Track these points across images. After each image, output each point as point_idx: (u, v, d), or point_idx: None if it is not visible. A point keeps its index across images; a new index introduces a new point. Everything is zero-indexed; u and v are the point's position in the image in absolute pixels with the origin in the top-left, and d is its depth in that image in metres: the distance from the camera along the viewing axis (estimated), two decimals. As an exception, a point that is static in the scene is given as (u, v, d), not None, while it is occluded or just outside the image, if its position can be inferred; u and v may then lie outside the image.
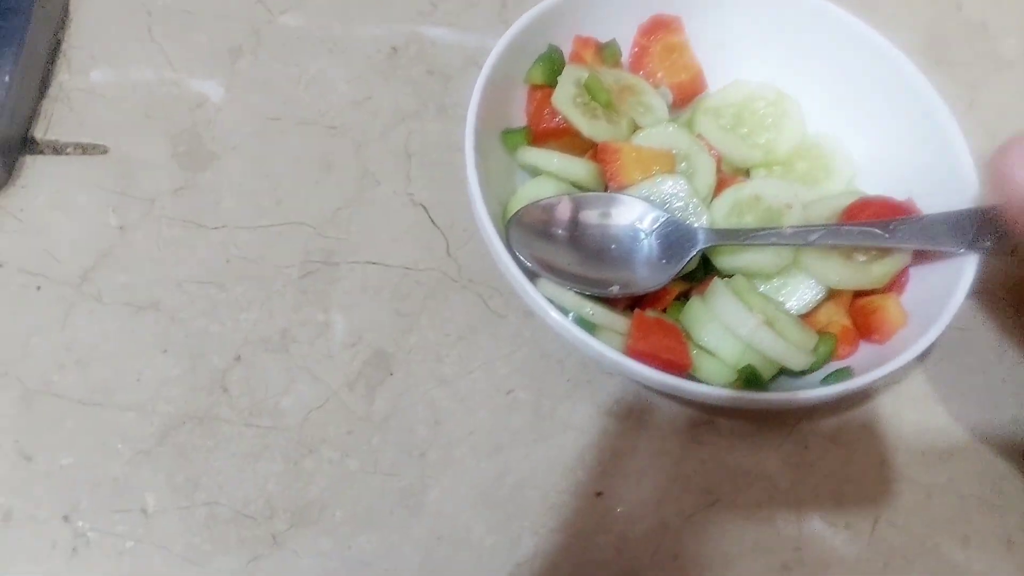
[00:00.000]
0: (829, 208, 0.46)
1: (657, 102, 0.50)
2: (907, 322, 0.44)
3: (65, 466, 0.43)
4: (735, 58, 0.52)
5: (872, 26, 0.50)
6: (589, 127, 0.47)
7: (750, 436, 0.47)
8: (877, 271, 0.44)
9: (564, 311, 0.42)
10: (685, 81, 0.52)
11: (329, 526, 0.43)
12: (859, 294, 0.46)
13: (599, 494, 0.45)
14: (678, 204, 0.46)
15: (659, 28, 0.52)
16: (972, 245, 0.42)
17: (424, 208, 0.52)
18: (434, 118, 0.55)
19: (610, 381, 0.48)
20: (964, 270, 0.43)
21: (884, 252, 0.44)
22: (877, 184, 0.49)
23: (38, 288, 0.47)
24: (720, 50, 0.53)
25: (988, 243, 0.42)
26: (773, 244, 0.43)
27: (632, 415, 0.47)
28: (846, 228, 0.43)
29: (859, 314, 0.46)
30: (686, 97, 0.52)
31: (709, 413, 0.47)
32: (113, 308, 0.47)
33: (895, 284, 0.46)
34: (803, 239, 0.43)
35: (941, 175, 0.46)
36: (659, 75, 0.52)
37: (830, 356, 0.44)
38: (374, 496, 0.44)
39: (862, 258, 0.44)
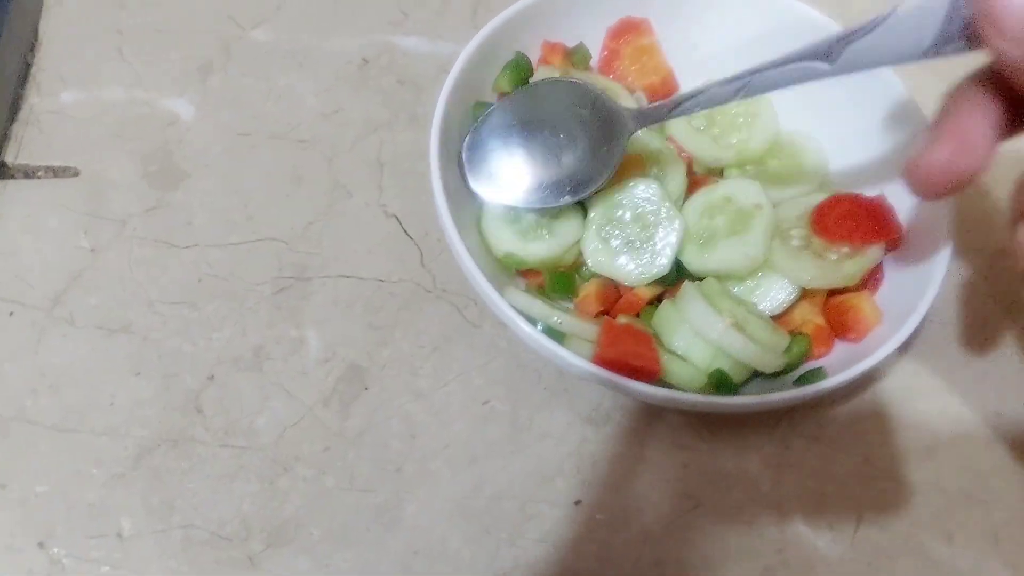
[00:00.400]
0: (801, 206, 0.46)
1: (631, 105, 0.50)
2: (882, 320, 0.44)
3: (40, 493, 0.43)
4: (705, 59, 0.52)
5: (843, 22, 0.49)
6: None
7: (731, 439, 0.47)
8: (849, 268, 0.43)
9: (533, 321, 0.42)
10: (656, 83, 0.51)
11: (306, 545, 0.43)
12: (832, 293, 0.46)
13: (578, 503, 0.45)
14: (650, 208, 0.45)
15: (628, 31, 0.51)
16: (935, 50, 0.32)
17: (397, 219, 0.52)
18: (405, 128, 0.55)
19: (588, 389, 0.47)
20: (937, 264, 0.42)
21: (855, 250, 0.44)
22: (850, 181, 0.49)
23: (11, 314, 0.47)
24: (690, 51, 0.52)
25: (953, 46, 0.31)
26: (704, 108, 0.41)
27: (611, 422, 0.47)
28: (778, 69, 0.37)
29: (833, 313, 0.45)
30: (657, 99, 0.52)
31: (689, 417, 0.47)
32: (85, 331, 0.47)
33: (869, 282, 0.45)
34: (732, 90, 0.38)
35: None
36: (629, 78, 0.51)
37: (804, 357, 0.44)
38: (350, 513, 0.43)
39: (833, 256, 0.44)
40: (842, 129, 0.49)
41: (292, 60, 0.57)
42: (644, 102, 0.51)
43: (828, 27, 0.49)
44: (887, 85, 0.47)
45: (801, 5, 0.49)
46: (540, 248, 0.45)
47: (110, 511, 0.43)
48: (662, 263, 0.44)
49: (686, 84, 0.53)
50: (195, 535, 0.42)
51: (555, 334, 0.42)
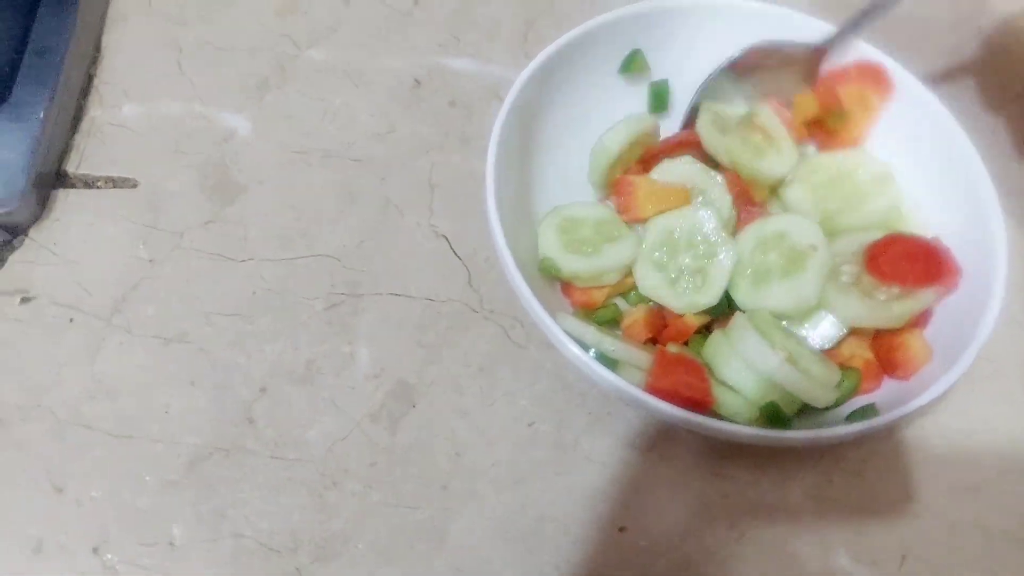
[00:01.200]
0: (855, 243, 0.46)
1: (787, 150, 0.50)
2: (931, 357, 0.44)
3: (95, 497, 0.44)
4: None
5: (892, 51, 0.50)
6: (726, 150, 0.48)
7: (774, 469, 0.47)
8: (897, 310, 0.43)
9: (585, 346, 0.42)
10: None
11: (352, 559, 0.43)
12: (880, 332, 0.46)
13: (621, 529, 0.45)
14: (704, 237, 0.46)
15: (865, 75, 0.50)
16: None
17: (446, 239, 0.53)
18: (456, 149, 0.56)
19: (632, 413, 0.48)
20: (990, 303, 0.42)
21: (906, 292, 0.44)
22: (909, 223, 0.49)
23: (70, 320, 0.49)
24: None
25: None
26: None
27: (654, 448, 0.47)
28: None
29: (882, 349, 0.45)
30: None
31: (732, 446, 0.47)
32: (142, 340, 0.48)
33: (919, 319, 0.45)
34: None
35: (966, 213, 0.46)
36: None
37: (854, 391, 0.44)
38: (396, 529, 0.44)
39: (883, 296, 0.44)
40: (903, 170, 0.49)
41: (347, 80, 0.58)
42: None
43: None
44: (943, 128, 0.47)
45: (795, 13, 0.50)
46: (578, 263, 0.46)
47: (162, 518, 0.44)
48: (713, 293, 0.44)
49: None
50: (245, 545, 0.43)
51: (607, 360, 0.42)
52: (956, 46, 0.62)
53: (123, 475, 0.44)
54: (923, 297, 0.44)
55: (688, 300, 0.45)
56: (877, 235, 0.46)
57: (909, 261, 0.43)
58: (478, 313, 0.50)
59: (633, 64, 0.51)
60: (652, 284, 0.45)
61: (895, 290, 0.44)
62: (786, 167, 0.49)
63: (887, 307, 0.43)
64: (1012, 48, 0.63)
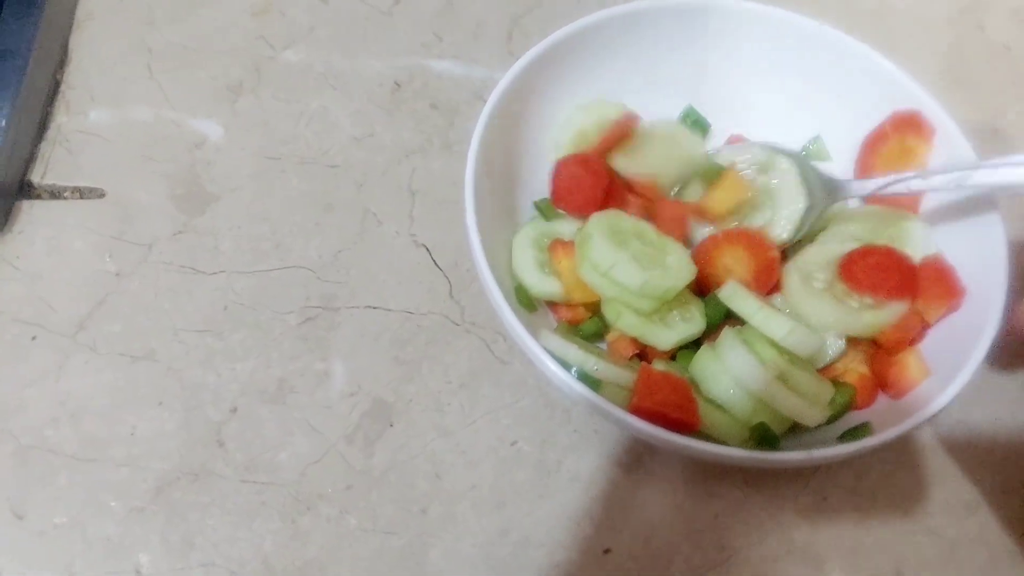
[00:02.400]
0: (831, 252, 0.45)
1: None
2: (928, 375, 0.42)
3: (58, 525, 0.42)
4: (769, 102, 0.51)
5: (892, 51, 0.48)
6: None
7: (765, 487, 0.45)
8: (868, 319, 0.42)
9: (567, 366, 0.41)
10: None
11: (327, 588, 0.42)
12: (878, 344, 0.44)
13: (607, 551, 0.43)
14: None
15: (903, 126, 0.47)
16: None
17: (427, 249, 0.51)
18: (438, 155, 0.54)
19: (618, 431, 0.46)
20: (989, 321, 0.40)
21: (879, 302, 0.42)
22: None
23: (33, 338, 0.47)
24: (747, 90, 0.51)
25: None
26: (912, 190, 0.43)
27: (642, 467, 0.45)
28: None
29: (878, 366, 0.44)
30: None
31: (722, 465, 0.45)
32: (108, 358, 0.46)
33: (915, 336, 0.43)
34: (948, 179, 0.41)
35: (968, 230, 0.44)
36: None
37: (847, 408, 0.42)
38: (373, 555, 0.42)
39: (855, 304, 0.42)
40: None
41: (324, 82, 0.56)
42: None
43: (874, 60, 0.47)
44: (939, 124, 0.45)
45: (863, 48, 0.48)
46: (554, 286, 0.45)
47: (129, 546, 0.42)
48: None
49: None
50: (215, 574, 0.41)
51: (590, 380, 0.40)
52: (955, 43, 0.61)
53: (88, 501, 0.43)
54: (895, 308, 0.43)
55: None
56: (853, 245, 0.44)
57: (884, 272, 0.42)
58: (459, 326, 0.49)
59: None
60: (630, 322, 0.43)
61: (868, 300, 0.42)
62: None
63: (858, 315, 0.42)
64: (1013, 45, 0.61)
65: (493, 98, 0.45)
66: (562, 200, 0.47)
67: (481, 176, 0.43)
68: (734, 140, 0.52)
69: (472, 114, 0.55)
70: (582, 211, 0.46)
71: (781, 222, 0.46)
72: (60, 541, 0.42)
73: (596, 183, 0.46)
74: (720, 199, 0.46)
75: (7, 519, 0.42)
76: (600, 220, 0.43)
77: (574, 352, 0.40)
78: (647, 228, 0.44)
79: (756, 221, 0.46)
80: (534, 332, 0.41)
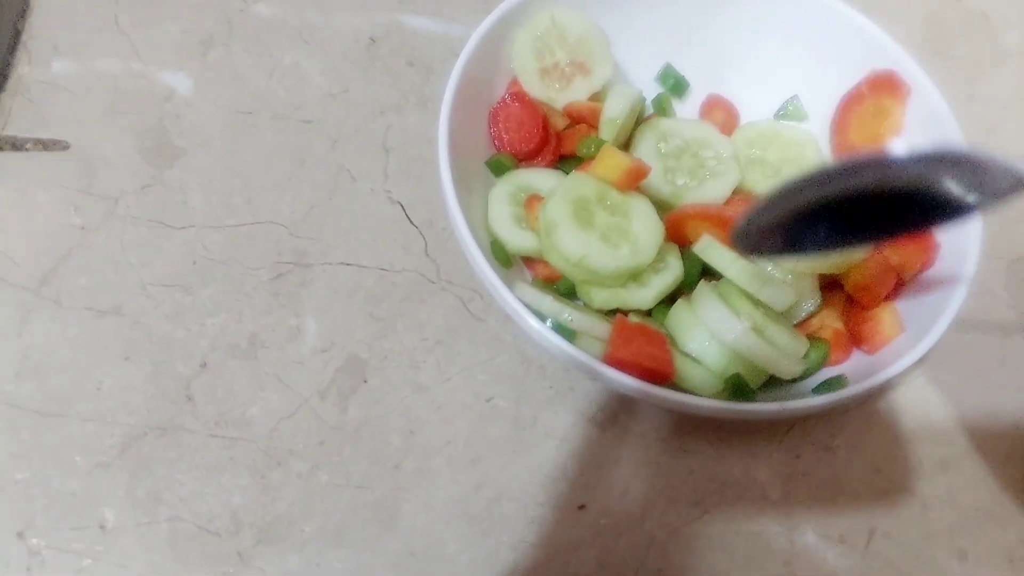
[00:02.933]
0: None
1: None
2: (901, 331, 0.42)
3: (20, 480, 0.41)
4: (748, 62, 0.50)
5: (871, 17, 0.47)
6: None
7: (740, 444, 0.45)
8: (835, 257, 0.42)
9: (542, 317, 0.40)
10: None
11: (298, 542, 0.41)
12: (853, 301, 0.44)
13: (582, 507, 0.43)
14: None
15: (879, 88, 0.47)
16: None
17: (401, 206, 0.50)
18: (413, 111, 0.53)
19: (594, 388, 0.46)
20: (961, 277, 0.41)
21: None
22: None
23: (-5, 292, 0.45)
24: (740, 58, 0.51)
25: None
26: None
27: (617, 423, 0.45)
28: None
29: (852, 321, 0.44)
30: None
31: (697, 421, 0.45)
32: (73, 312, 0.45)
33: (892, 292, 0.43)
34: None
35: None
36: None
37: (822, 364, 0.42)
38: (345, 510, 0.42)
39: None
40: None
41: (297, 37, 0.55)
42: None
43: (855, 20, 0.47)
44: (916, 84, 0.45)
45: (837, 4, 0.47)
46: (526, 241, 0.44)
47: (93, 501, 0.41)
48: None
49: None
50: (182, 528, 0.41)
51: (565, 331, 0.40)
52: (933, 11, 0.61)
53: (52, 457, 0.42)
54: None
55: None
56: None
57: None
58: (435, 284, 0.48)
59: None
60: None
61: None
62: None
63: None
64: (991, 14, 0.61)
65: (466, 52, 0.44)
66: (504, 143, 0.46)
67: (455, 132, 0.43)
68: (712, 100, 0.51)
69: (448, 71, 0.54)
70: (526, 151, 0.46)
71: None
72: (21, 496, 0.41)
73: (533, 120, 0.46)
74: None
75: (-33, 474, 0.41)
76: (562, 200, 0.41)
77: (549, 303, 0.40)
78: (608, 190, 0.43)
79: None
80: (510, 286, 0.40)
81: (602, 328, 0.40)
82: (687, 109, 0.52)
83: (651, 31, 0.50)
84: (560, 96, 0.48)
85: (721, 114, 0.51)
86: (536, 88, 0.47)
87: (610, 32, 0.49)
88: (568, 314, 0.40)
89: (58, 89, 0.51)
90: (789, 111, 0.50)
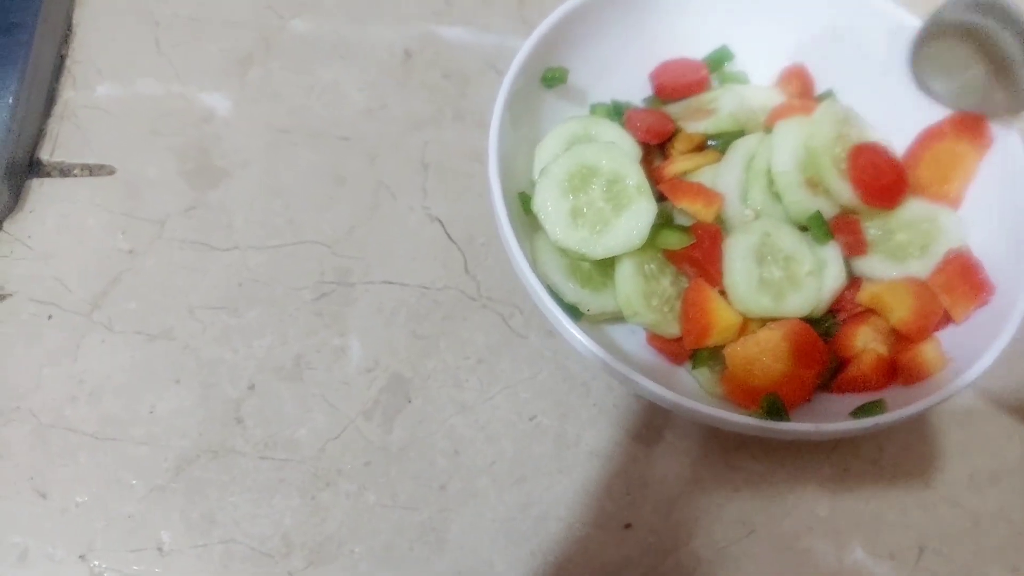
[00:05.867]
0: None
1: None
2: (945, 366, 0.41)
3: (80, 503, 0.42)
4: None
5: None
6: None
7: (786, 460, 0.45)
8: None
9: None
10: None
11: (347, 563, 0.42)
12: (899, 332, 0.43)
13: (627, 525, 0.43)
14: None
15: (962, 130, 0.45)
16: None
17: (440, 223, 0.50)
18: (451, 125, 0.53)
19: (638, 405, 0.46)
20: (1016, 307, 0.40)
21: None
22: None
23: (49, 317, 0.46)
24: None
25: None
26: None
27: (661, 440, 0.45)
28: None
29: (896, 352, 0.43)
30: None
31: (743, 437, 0.45)
32: (124, 337, 0.46)
33: (940, 323, 0.43)
34: None
35: (998, 222, 0.44)
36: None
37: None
38: (393, 531, 0.42)
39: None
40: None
41: (333, 52, 0.55)
42: None
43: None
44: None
45: None
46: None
47: (150, 524, 0.42)
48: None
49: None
50: (236, 550, 0.42)
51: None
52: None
53: (108, 480, 0.43)
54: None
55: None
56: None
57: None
58: (476, 301, 0.48)
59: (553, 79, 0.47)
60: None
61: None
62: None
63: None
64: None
65: (513, 68, 0.44)
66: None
67: (504, 139, 0.43)
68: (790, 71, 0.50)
69: (484, 83, 0.54)
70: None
71: None
72: (82, 519, 0.42)
73: None
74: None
75: (30, 498, 0.42)
76: (568, 159, 0.43)
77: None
78: (624, 178, 0.43)
79: None
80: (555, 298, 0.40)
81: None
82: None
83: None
84: None
85: (797, 84, 0.50)
86: None
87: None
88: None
89: (102, 113, 0.52)
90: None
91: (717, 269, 0.42)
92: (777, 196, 0.44)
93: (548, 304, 0.39)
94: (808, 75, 0.50)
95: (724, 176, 0.45)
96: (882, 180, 0.44)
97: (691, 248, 0.42)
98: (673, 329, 0.43)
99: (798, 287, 0.42)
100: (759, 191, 0.44)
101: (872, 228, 0.45)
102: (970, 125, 0.44)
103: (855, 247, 0.44)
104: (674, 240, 0.42)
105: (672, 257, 0.43)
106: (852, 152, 0.44)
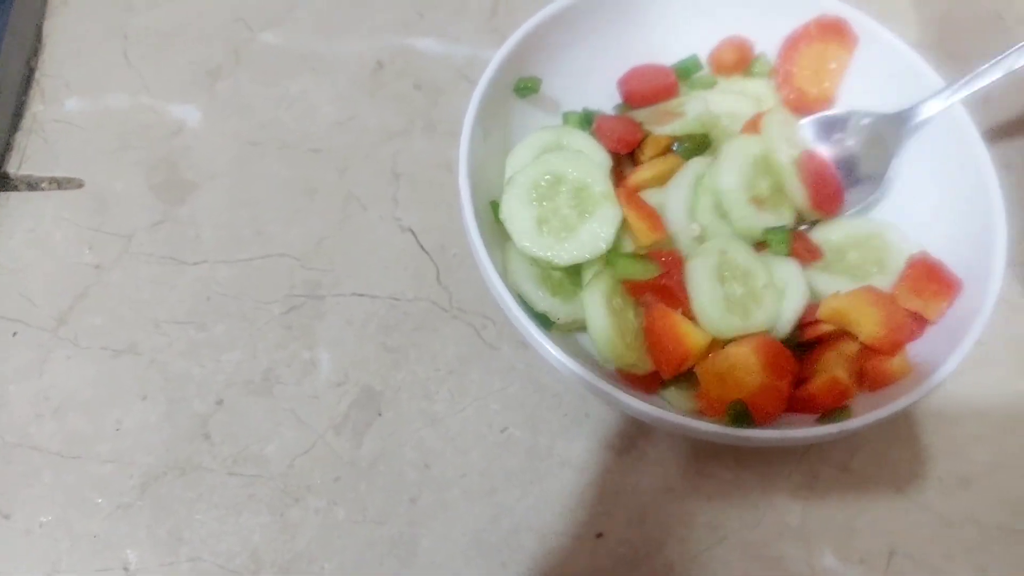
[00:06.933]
0: None
1: None
2: (908, 372, 0.41)
3: (44, 523, 0.42)
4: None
5: (880, 18, 0.47)
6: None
7: (757, 467, 0.45)
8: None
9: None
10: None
11: (317, 579, 0.41)
12: (870, 347, 0.43)
13: (600, 535, 0.43)
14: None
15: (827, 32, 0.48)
16: None
17: (412, 233, 0.50)
18: (421, 135, 0.53)
19: (610, 414, 0.46)
20: (983, 307, 0.40)
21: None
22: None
23: (14, 334, 0.46)
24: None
25: None
26: None
27: (634, 449, 0.45)
28: None
29: (860, 361, 0.43)
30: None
31: (714, 445, 0.45)
32: (90, 352, 0.46)
33: (909, 333, 0.43)
34: None
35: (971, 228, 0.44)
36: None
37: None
38: (363, 546, 0.42)
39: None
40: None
41: (304, 64, 0.55)
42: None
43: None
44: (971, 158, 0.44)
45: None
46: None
47: (116, 543, 0.41)
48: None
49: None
50: (204, 568, 0.41)
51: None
52: (946, 12, 0.59)
53: (73, 499, 0.42)
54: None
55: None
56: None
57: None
58: (447, 312, 0.48)
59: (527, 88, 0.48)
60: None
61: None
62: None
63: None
64: (1004, 14, 0.60)
65: (485, 78, 0.44)
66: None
67: (475, 152, 0.43)
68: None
69: (456, 94, 0.54)
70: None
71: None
72: (46, 539, 0.41)
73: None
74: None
75: (-7, 518, 0.42)
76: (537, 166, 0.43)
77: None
78: (590, 186, 0.43)
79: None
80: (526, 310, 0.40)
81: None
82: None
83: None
84: None
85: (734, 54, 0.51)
86: None
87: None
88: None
89: (70, 127, 0.52)
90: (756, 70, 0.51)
91: (685, 295, 0.42)
92: (723, 215, 0.45)
93: (517, 313, 0.39)
94: (746, 43, 0.51)
95: (673, 193, 0.45)
96: (827, 188, 0.45)
97: (660, 277, 0.42)
98: (647, 366, 0.42)
99: (759, 301, 0.43)
100: (706, 210, 0.45)
101: (823, 250, 0.46)
102: (833, 26, 0.48)
103: (808, 255, 0.45)
104: (639, 270, 0.42)
105: (633, 288, 0.43)
106: (803, 157, 0.45)
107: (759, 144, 0.46)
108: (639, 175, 0.46)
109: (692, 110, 0.47)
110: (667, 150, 0.48)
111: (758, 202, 0.45)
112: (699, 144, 0.47)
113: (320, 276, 0.48)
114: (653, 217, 0.44)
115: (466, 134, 0.43)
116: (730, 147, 0.46)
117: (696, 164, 0.46)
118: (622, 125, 0.48)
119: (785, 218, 0.46)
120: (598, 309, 0.42)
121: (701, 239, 0.45)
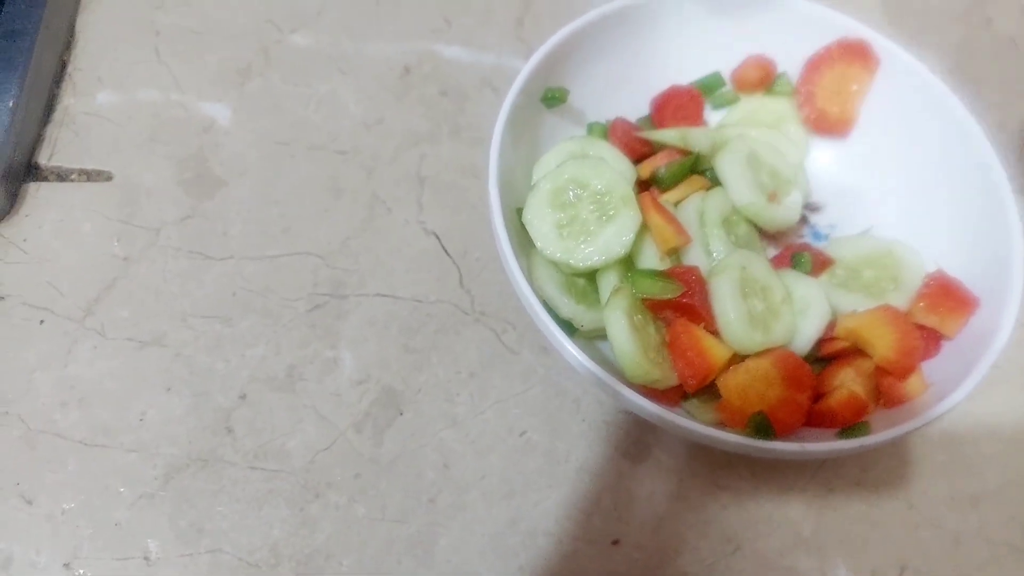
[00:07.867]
0: None
1: None
2: (925, 390, 0.42)
3: (67, 510, 0.42)
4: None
5: (900, 43, 0.48)
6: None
7: (772, 479, 0.45)
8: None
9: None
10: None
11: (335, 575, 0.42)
12: (884, 369, 0.44)
13: (615, 542, 0.43)
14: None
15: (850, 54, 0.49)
16: None
17: (436, 236, 0.51)
18: (447, 140, 0.54)
19: (628, 421, 0.46)
20: (998, 335, 0.41)
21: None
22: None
23: (41, 322, 0.46)
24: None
25: None
26: None
27: (650, 457, 0.45)
28: None
29: (877, 379, 0.44)
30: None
31: (729, 456, 0.46)
32: (116, 343, 0.46)
33: (926, 352, 0.44)
34: None
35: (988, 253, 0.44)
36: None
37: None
38: (381, 544, 0.42)
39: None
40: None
41: (333, 66, 0.56)
42: None
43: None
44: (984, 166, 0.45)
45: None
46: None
47: (137, 532, 0.42)
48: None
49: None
50: (223, 560, 0.41)
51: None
52: (963, 39, 0.60)
53: (96, 487, 0.43)
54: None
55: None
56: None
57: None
58: (469, 315, 0.48)
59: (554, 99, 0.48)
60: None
61: None
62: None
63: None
64: (1019, 40, 0.61)
65: (516, 86, 0.45)
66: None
67: (505, 158, 0.43)
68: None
69: (481, 101, 0.55)
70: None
71: None
72: (69, 526, 0.42)
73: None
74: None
75: (16, 504, 0.42)
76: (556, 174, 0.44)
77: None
78: (611, 192, 0.44)
79: None
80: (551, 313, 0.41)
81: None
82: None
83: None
84: None
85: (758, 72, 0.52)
86: None
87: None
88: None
89: (101, 120, 0.52)
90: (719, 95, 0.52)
91: (709, 312, 0.42)
92: (736, 241, 0.46)
93: (543, 318, 0.40)
94: (769, 62, 0.51)
95: (681, 213, 0.47)
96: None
97: (682, 295, 0.42)
98: (671, 381, 0.42)
99: (777, 316, 0.43)
100: (719, 241, 0.46)
101: (838, 269, 0.47)
102: (855, 48, 0.49)
103: (819, 265, 0.47)
104: (662, 289, 0.42)
105: (653, 304, 0.43)
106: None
107: (744, 144, 0.48)
108: (665, 197, 0.47)
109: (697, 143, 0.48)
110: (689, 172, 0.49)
111: (772, 199, 0.47)
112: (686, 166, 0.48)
113: (344, 276, 0.49)
114: (676, 222, 0.45)
115: (496, 141, 0.43)
116: (725, 161, 0.47)
117: (692, 202, 0.47)
118: (631, 134, 0.49)
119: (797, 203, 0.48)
120: (621, 327, 0.41)
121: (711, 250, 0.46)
